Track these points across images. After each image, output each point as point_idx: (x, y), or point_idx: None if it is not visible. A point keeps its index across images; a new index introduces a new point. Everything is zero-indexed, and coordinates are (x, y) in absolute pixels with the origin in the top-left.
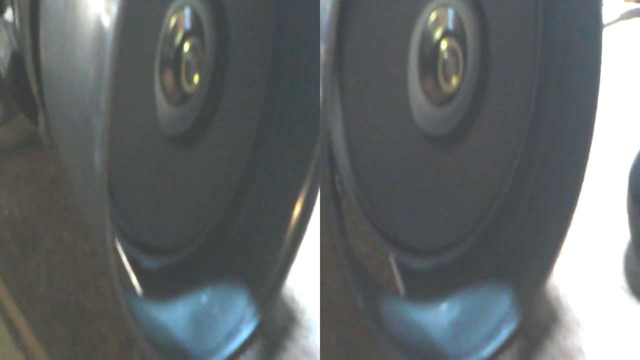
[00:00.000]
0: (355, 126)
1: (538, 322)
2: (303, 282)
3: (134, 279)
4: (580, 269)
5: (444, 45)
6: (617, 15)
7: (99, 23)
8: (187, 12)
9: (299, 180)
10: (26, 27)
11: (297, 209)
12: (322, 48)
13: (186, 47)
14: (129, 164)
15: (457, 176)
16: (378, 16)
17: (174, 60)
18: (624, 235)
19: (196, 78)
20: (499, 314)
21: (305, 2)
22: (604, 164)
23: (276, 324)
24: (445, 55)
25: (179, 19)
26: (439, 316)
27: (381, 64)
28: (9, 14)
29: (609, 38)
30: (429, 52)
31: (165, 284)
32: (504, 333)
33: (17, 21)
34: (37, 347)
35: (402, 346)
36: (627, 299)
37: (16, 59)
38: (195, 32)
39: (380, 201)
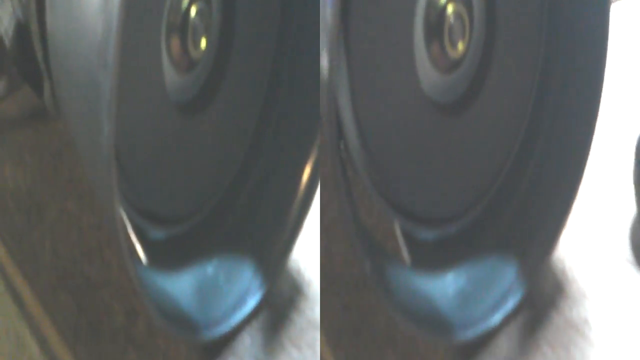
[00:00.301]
0: (362, 92)
1: (544, 294)
2: (309, 254)
3: (140, 249)
4: (586, 241)
5: (450, 9)
6: None
7: None
8: None
9: (306, 150)
10: None
11: (304, 180)
12: (328, 12)
13: (193, 11)
14: (137, 132)
15: (463, 145)
16: None
17: (181, 26)
18: (631, 208)
19: (203, 43)
20: (505, 285)
21: None
22: (611, 136)
23: (282, 296)
24: (451, 20)
25: None
26: (445, 285)
27: (387, 30)
28: None
29: (614, 16)
30: (435, 17)
31: (171, 254)
32: (510, 303)
33: None
34: (42, 316)
35: (409, 314)
36: (633, 271)
37: (20, 30)
38: None
39: (386, 168)
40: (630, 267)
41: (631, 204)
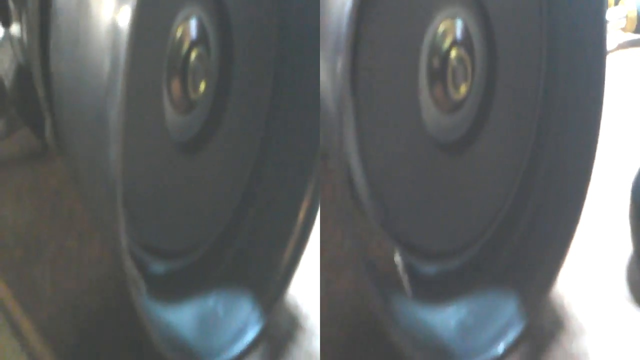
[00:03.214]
0: (367, 132)
1: (543, 328)
2: (307, 288)
3: (141, 282)
4: (584, 278)
5: (453, 54)
6: (615, 45)
7: (113, 20)
8: (193, 22)
9: (303, 185)
10: (35, 32)
11: (302, 213)
12: (339, 61)
13: (193, 56)
14: (138, 170)
15: (465, 183)
16: (389, 28)
17: (181, 69)
18: (627, 247)
19: (202, 86)
20: (505, 318)
21: (307, 8)
22: (608, 176)
23: (280, 329)
24: (454, 64)
25: (185, 29)
26: (446, 317)
27: (392, 73)
28: (14, 28)
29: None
30: (439, 62)
31: (171, 288)
32: (511, 335)
33: (24, 31)
34: (43, 348)
35: (413, 342)
36: (630, 307)
37: (21, 72)
38: (201, 41)
39: (389, 204)
40: (627, 304)
41: (627, 242)
